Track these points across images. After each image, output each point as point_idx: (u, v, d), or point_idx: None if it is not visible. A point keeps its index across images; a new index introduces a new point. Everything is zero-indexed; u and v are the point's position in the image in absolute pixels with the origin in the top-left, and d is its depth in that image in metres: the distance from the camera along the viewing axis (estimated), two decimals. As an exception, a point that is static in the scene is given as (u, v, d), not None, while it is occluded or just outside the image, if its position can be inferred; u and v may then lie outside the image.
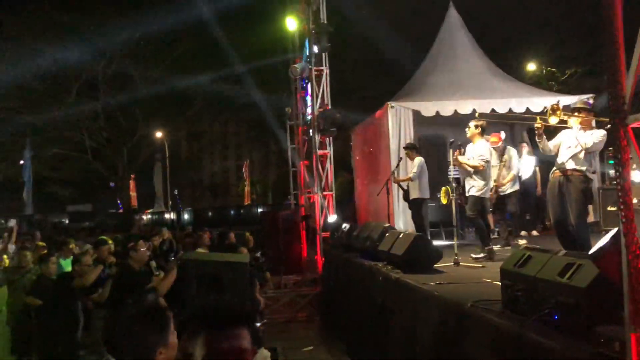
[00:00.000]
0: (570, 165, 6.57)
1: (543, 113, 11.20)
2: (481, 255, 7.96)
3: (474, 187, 8.25)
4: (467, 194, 8.41)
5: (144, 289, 5.38)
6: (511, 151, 10.17)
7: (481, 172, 8.24)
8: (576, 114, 6.74)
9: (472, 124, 8.42)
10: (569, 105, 7.18)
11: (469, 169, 8.24)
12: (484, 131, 8.48)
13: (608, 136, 6.41)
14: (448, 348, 4.90)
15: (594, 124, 7.13)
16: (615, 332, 2.97)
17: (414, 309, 5.95)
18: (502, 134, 10.36)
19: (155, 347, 2.65)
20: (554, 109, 6.50)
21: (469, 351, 4.47)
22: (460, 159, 8.32)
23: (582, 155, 6.53)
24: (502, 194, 9.89)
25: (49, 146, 32.18)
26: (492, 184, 9.41)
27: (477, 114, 8.93)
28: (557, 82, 22.74)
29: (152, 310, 2.84)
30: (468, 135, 8.41)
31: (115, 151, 33.94)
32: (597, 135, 6.53)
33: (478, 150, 8.27)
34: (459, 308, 4.78)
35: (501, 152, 10.05)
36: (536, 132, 6.69)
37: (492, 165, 9.66)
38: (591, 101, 7.18)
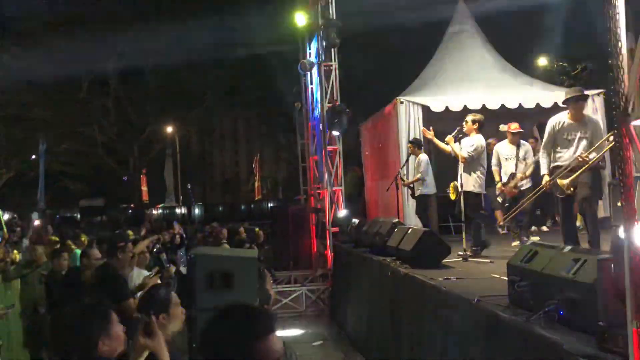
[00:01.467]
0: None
1: (555, 108, 11.15)
2: (468, 252, 7.80)
3: (470, 182, 8.12)
4: (461, 189, 8.06)
5: (128, 291, 5.34)
6: (526, 145, 9.80)
7: (475, 166, 8.15)
8: (574, 103, 6.71)
9: (469, 118, 8.34)
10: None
11: (448, 151, 8.21)
12: (481, 126, 8.39)
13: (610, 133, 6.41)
14: (455, 343, 4.94)
15: (587, 112, 7.11)
16: (619, 327, 3.00)
17: (422, 304, 5.99)
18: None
19: (96, 339, 2.78)
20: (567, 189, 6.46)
21: (477, 346, 4.50)
22: (453, 145, 8.18)
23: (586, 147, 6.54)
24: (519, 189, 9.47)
25: (60, 141, 32.40)
26: (504, 178, 9.25)
27: None
28: (569, 76, 22.61)
29: (90, 305, 2.99)
30: (465, 129, 8.31)
31: (126, 146, 34.12)
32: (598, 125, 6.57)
33: (469, 143, 8.17)
34: (466, 303, 4.82)
35: (517, 145, 9.54)
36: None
37: (507, 158, 9.34)
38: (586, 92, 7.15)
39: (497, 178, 9.25)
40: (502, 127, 9.58)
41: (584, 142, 6.55)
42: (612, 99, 2.49)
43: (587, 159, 6.32)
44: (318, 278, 12.67)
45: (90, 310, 2.91)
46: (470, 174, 8.14)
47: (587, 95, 6.85)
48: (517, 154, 9.31)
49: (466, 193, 8.06)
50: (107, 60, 29.30)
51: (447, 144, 8.23)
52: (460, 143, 8.22)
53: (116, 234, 7.56)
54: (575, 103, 6.66)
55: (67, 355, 2.80)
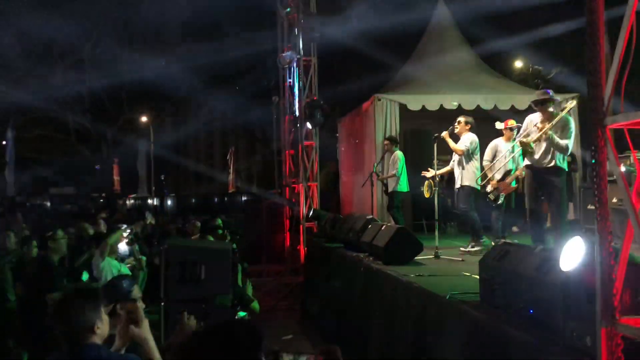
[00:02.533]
0: (545, 159, 6.73)
1: (529, 110, 11.22)
2: (473, 248, 8.04)
3: (466, 177, 8.36)
4: (457, 185, 8.46)
5: (63, 282, 5.26)
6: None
7: (471, 161, 8.40)
8: (540, 107, 6.91)
9: (462, 119, 8.57)
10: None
11: (452, 146, 8.48)
12: (472, 128, 8.60)
13: (587, 137, 6.59)
14: (425, 339, 4.98)
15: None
16: (587, 327, 3.06)
17: (393, 299, 6.03)
18: None
19: (93, 321, 2.83)
20: (525, 145, 6.71)
21: (446, 342, 4.55)
22: (449, 140, 8.48)
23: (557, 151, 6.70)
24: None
25: (32, 127, 31.85)
26: (498, 175, 8.71)
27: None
28: (544, 80, 22.88)
29: (84, 289, 3.01)
30: (457, 130, 8.53)
31: (99, 134, 33.69)
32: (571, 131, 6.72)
33: (465, 138, 8.49)
34: (437, 300, 4.87)
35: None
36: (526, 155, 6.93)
37: (505, 155, 8.84)
38: (550, 90, 7.25)
39: (489, 174, 8.74)
40: (499, 125, 9.37)
41: (542, 144, 6.74)
42: (589, 102, 2.53)
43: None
44: (290, 272, 12.68)
45: (87, 295, 2.95)
46: (465, 168, 8.39)
47: (545, 100, 6.95)
48: (513, 150, 8.99)
49: (462, 187, 8.35)
50: (83, 45, 28.87)
51: (444, 139, 8.46)
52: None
53: (43, 226, 7.35)
54: (539, 106, 6.86)
55: (65, 338, 2.81)
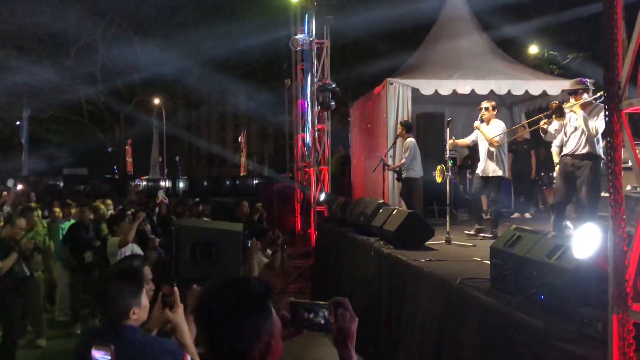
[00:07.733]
0: (582, 150, 6.65)
1: (544, 96, 11.08)
2: (490, 235, 8.01)
3: (500, 168, 8.25)
4: (491, 174, 8.29)
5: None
6: None
7: (504, 150, 8.30)
8: (574, 96, 6.79)
9: (487, 105, 8.42)
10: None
11: (487, 137, 8.28)
12: (498, 112, 8.54)
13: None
14: (435, 323, 4.98)
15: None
16: (598, 313, 3.04)
17: (404, 284, 6.03)
18: None
19: (129, 306, 2.81)
20: (557, 112, 6.56)
21: (456, 327, 4.55)
22: (483, 130, 8.35)
23: (590, 138, 6.60)
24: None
25: (46, 108, 32.01)
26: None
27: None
28: (559, 66, 22.63)
29: (127, 272, 2.97)
30: (485, 117, 8.37)
31: (112, 116, 33.79)
32: (602, 117, 6.56)
33: (494, 129, 8.31)
34: (448, 285, 4.85)
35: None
36: (541, 130, 6.79)
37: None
38: (585, 80, 7.10)
39: (557, 160, 8.27)
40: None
41: (577, 132, 6.65)
42: (605, 86, 2.49)
43: None
44: (301, 255, 12.70)
45: (127, 278, 2.90)
46: (500, 158, 8.25)
47: (580, 89, 6.86)
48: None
49: (498, 177, 8.25)
50: (96, 27, 28.88)
51: (477, 128, 8.42)
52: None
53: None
54: (574, 95, 6.79)
55: (102, 317, 2.87)
